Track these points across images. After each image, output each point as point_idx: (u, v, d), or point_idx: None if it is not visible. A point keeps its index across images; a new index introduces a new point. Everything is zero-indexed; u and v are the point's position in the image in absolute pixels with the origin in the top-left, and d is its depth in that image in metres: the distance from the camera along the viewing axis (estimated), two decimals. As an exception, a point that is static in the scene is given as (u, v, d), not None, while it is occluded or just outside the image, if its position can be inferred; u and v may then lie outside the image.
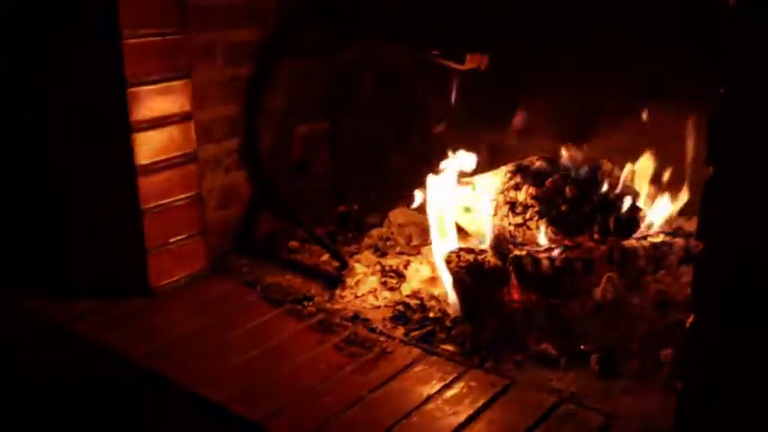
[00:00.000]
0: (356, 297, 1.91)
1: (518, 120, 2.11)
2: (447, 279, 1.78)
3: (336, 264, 2.06)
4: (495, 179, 1.99)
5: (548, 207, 1.87)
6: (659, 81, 1.93)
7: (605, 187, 1.92)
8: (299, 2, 2.21)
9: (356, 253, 2.12)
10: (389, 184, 2.35)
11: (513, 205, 1.91)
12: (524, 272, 1.75)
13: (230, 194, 2.20)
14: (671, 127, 1.94)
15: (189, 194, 2.02)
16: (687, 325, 1.11)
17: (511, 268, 1.75)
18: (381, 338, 1.73)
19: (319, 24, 2.24)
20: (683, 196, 1.93)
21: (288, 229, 2.26)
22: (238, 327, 1.80)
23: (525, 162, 2.02)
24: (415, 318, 1.78)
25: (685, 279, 1.72)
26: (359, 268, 2.00)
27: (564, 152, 2.03)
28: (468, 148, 2.06)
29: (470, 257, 1.78)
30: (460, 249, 1.83)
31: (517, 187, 1.93)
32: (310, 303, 1.90)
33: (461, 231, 2.02)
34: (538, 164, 2.00)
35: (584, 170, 1.97)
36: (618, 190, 1.92)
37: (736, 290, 1.06)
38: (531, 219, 1.88)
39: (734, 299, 1.06)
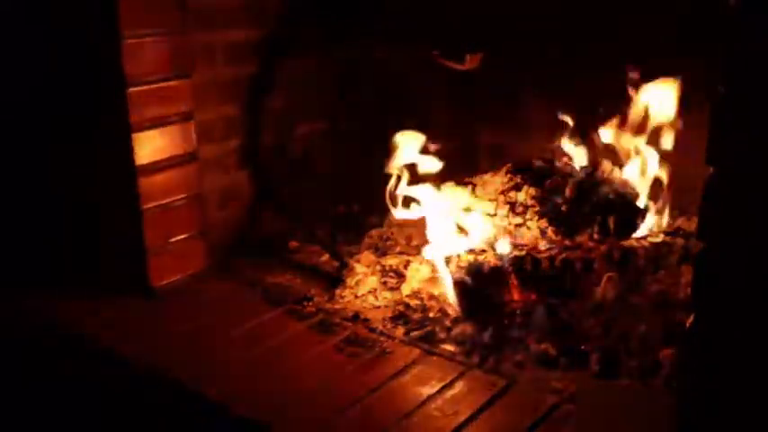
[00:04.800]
0: (356, 297, 1.91)
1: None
2: (447, 279, 1.78)
3: (336, 264, 2.06)
4: (495, 179, 1.99)
5: (548, 207, 1.87)
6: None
7: (605, 187, 1.92)
8: (299, 2, 2.21)
9: (356, 253, 2.12)
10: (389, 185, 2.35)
11: (513, 205, 1.91)
12: (524, 272, 1.75)
13: (230, 194, 2.20)
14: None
15: (189, 194, 2.02)
16: (687, 325, 1.11)
17: (511, 268, 1.75)
18: (381, 338, 1.73)
19: (319, 24, 2.24)
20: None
21: (288, 229, 2.26)
22: (238, 327, 1.80)
23: (525, 162, 2.02)
24: (415, 318, 1.78)
25: (685, 279, 1.72)
26: (359, 268, 2.00)
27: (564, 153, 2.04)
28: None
29: (470, 257, 1.78)
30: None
31: (517, 187, 1.93)
32: (310, 303, 1.90)
33: (461, 231, 2.02)
34: (538, 164, 2.00)
35: (584, 170, 1.97)
36: (618, 190, 1.92)
37: (736, 290, 1.06)
38: (531, 219, 1.88)
39: (734, 299, 1.06)
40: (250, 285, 2.01)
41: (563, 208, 1.86)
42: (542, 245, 1.82)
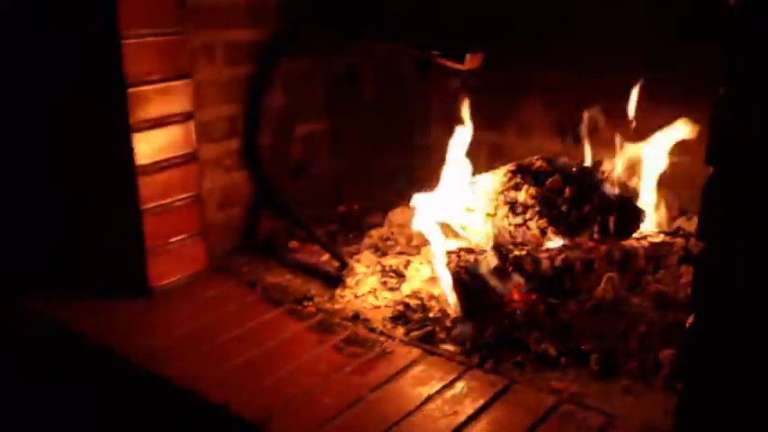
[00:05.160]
0: (356, 297, 1.91)
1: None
2: (447, 279, 1.78)
3: (336, 264, 2.06)
4: (495, 179, 1.99)
5: (548, 207, 1.87)
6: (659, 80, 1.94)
7: (605, 187, 1.92)
8: (299, 2, 2.22)
9: (356, 253, 2.12)
10: (389, 184, 2.35)
11: (513, 205, 1.91)
12: (524, 272, 1.75)
13: (230, 194, 2.20)
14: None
15: (189, 194, 2.02)
16: (687, 325, 1.11)
17: (511, 268, 1.75)
18: (381, 338, 1.73)
19: (319, 24, 2.24)
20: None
21: (288, 230, 2.26)
22: (238, 327, 1.80)
23: (525, 162, 2.02)
24: (415, 318, 1.78)
25: (685, 279, 1.72)
26: (359, 268, 2.00)
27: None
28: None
29: (470, 257, 1.78)
30: (460, 249, 1.83)
31: (517, 187, 1.93)
32: (310, 303, 1.90)
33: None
34: (538, 164, 2.00)
35: (584, 170, 1.97)
36: (617, 190, 1.92)
37: (736, 290, 1.06)
38: (531, 219, 1.88)
39: (734, 299, 1.06)
40: (250, 285, 2.01)
41: (563, 208, 1.86)
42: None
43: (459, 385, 1.54)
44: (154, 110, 1.89)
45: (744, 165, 1.01)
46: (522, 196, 1.91)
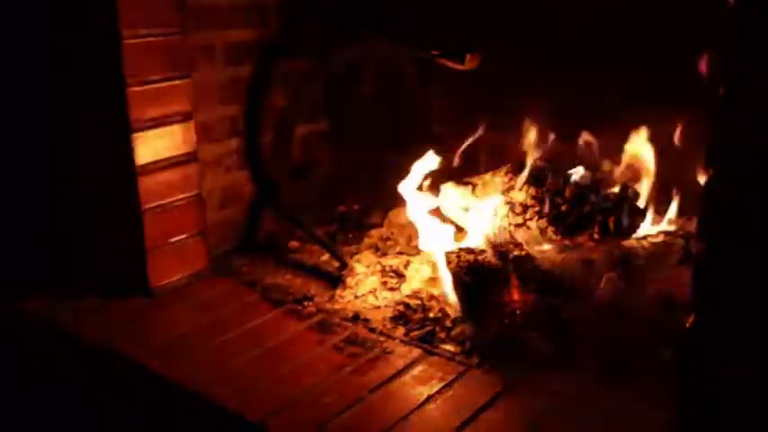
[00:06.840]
0: (356, 297, 1.91)
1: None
2: (447, 279, 1.78)
3: (336, 264, 2.06)
4: (495, 179, 1.99)
5: (548, 207, 1.87)
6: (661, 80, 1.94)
7: (605, 188, 1.92)
8: (299, 2, 2.22)
9: (356, 253, 2.12)
10: (389, 184, 2.35)
11: (513, 205, 1.91)
12: (524, 272, 1.75)
13: (230, 194, 2.21)
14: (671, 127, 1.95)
15: (189, 194, 2.02)
16: (687, 325, 1.11)
17: (511, 268, 1.75)
18: (381, 338, 1.73)
19: (319, 24, 2.24)
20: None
21: (288, 230, 2.26)
22: (238, 327, 1.80)
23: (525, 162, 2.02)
24: (415, 318, 1.78)
25: (685, 279, 1.72)
26: (359, 268, 2.00)
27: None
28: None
29: (470, 257, 1.78)
30: (460, 249, 1.83)
31: (517, 187, 1.93)
32: (310, 303, 1.90)
33: (461, 231, 2.02)
34: (538, 164, 2.00)
35: (584, 170, 1.97)
36: (617, 190, 1.92)
37: (736, 290, 1.06)
38: (531, 219, 1.88)
39: (734, 299, 1.06)
40: (250, 285, 2.01)
41: (563, 208, 1.86)
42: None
43: (459, 385, 1.54)
44: (154, 110, 1.89)
45: (744, 165, 1.01)
46: (522, 196, 1.91)
